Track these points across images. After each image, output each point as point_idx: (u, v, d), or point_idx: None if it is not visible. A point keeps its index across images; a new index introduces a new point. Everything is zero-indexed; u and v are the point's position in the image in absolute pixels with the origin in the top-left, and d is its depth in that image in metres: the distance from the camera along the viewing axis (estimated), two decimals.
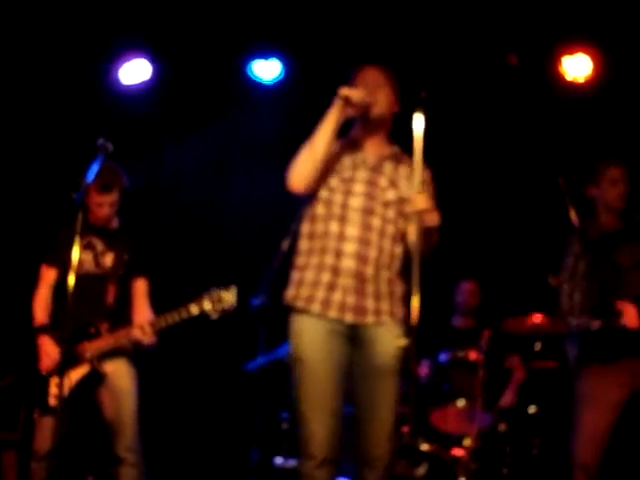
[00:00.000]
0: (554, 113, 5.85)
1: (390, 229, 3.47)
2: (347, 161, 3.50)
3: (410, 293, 3.30)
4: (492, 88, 5.98)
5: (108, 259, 4.32)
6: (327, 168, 3.44)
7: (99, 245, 4.32)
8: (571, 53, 5.86)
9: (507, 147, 6.03)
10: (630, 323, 3.98)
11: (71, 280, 3.51)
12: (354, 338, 3.41)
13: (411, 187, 3.43)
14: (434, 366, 5.48)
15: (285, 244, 4.51)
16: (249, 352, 5.14)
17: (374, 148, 3.55)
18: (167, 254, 5.69)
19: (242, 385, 5.52)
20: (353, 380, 3.44)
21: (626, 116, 5.73)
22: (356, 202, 3.44)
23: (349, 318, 3.39)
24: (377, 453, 3.40)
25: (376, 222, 3.44)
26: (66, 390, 3.89)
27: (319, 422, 3.33)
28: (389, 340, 3.40)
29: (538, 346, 4.91)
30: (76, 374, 4.12)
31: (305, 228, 3.51)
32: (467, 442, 5.05)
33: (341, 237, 3.41)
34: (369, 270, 3.41)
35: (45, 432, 4.03)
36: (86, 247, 4.25)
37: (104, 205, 4.26)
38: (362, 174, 3.49)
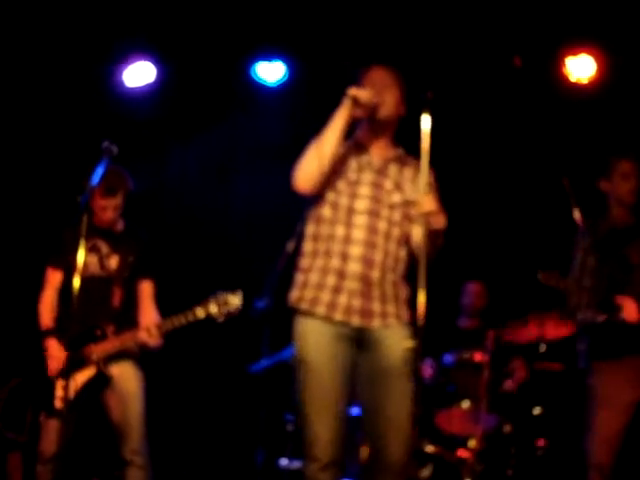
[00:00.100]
0: (558, 114, 5.85)
1: (395, 232, 3.46)
2: (352, 163, 3.49)
3: (415, 295, 3.29)
4: (496, 89, 5.98)
5: (113, 261, 4.33)
6: (333, 169, 3.43)
7: (104, 248, 4.33)
8: (575, 54, 5.86)
9: (512, 148, 6.03)
10: (629, 317, 3.98)
11: (76, 283, 3.52)
12: (360, 341, 3.40)
13: (416, 189, 3.42)
14: (439, 367, 5.47)
15: (290, 246, 4.51)
16: (253, 354, 5.14)
17: (379, 150, 3.54)
18: (171, 256, 5.69)
19: (247, 387, 5.52)
20: (361, 384, 3.42)
21: (630, 117, 5.72)
22: (362, 205, 3.43)
23: (356, 321, 3.38)
24: (394, 458, 3.35)
25: (382, 225, 3.44)
26: (72, 393, 3.92)
27: (324, 424, 3.32)
28: (396, 341, 3.39)
29: (543, 348, 4.90)
30: (82, 376, 4.12)
31: (310, 230, 3.50)
32: (472, 443, 5.04)
33: (347, 240, 3.40)
34: (375, 273, 3.40)
35: (51, 435, 4.02)
36: (91, 250, 4.25)
37: (108, 209, 4.26)
38: (367, 176, 3.48)
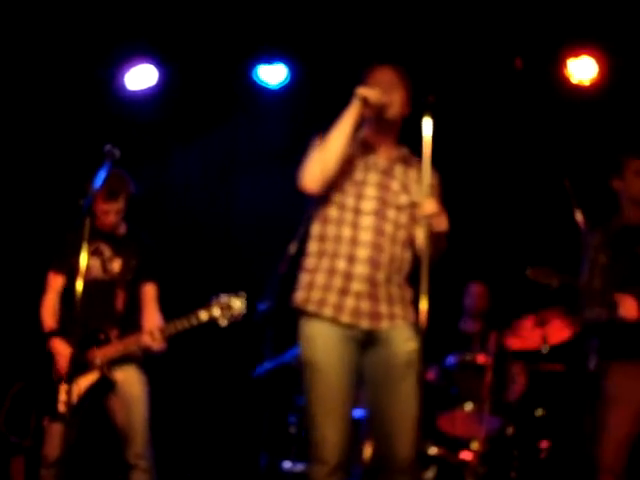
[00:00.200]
0: (560, 116, 5.85)
1: (401, 234, 3.46)
2: (358, 163, 3.47)
3: (418, 297, 3.29)
4: (498, 92, 5.98)
5: (116, 265, 4.33)
6: (340, 169, 3.41)
7: (107, 251, 4.33)
8: (576, 56, 5.86)
9: (514, 150, 6.03)
10: (627, 314, 3.96)
11: (79, 286, 3.52)
12: (368, 342, 3.40)
13: (420, 191, 3.42)
14: (441, 369, 5.46)
15: (292, 247, 4.50)
16: (256, 357, 5.14)
17: (385, 150, 3.53)
18: (174, 259, 5.69)
19: (250, 390, 5.51)
20: (368, 383, 3.41)
21: (631, 118, 5.72)
22: (368, 206, 3.42)
23: (365, 324, 3.38)
24: (402, 457, 3.33)
25: (388, 227, 3.43)
26: (75, 397, 3.91)
27: (331, 427, 3.30)
28: (404, 340, 3.38)
29: (546, 349, 4.90)
30: (85, 381, 4.12)
31: (316, 230, 3.48)
32: (475, 446, 5.03)
33: (354, 242, 3.39)
34: (381, 275, 3.40)
35: (55, 439, 4.02)
36: (93, 253, 4.25)
37: (110, 213, 4.26)
38: (374, 177, 3.47)
